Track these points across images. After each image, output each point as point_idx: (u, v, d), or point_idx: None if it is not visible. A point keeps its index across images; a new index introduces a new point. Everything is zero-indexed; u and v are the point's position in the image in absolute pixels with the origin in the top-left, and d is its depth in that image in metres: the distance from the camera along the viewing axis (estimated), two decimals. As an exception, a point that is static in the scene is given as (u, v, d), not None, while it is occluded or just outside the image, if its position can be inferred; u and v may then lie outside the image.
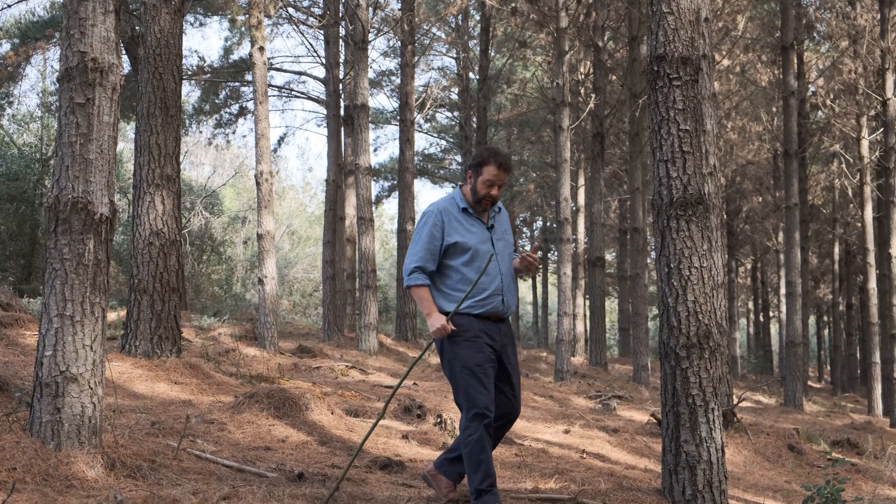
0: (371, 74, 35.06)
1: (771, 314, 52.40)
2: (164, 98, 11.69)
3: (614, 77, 29.36)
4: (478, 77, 32.32)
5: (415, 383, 14.32)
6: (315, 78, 30.05)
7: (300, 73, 31.59)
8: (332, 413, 9.24)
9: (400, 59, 27.88)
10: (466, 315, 5.83)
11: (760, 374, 43.96)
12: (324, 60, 27.52)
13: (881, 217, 27.24)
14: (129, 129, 36.62)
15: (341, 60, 27.28)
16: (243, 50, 31.24)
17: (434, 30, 33.66)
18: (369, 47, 21.41)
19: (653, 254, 32.23)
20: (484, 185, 5.89)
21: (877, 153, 25.65)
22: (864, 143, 25.32)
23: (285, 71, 32.15)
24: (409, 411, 10.22)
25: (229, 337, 18.41)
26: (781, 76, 25.25)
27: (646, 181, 24.43)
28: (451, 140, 45.98)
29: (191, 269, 33.06)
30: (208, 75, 30.58)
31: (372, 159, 21.63)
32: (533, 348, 38.33)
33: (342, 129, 26.72)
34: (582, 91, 29.99)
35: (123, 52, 24.43)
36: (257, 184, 17.86)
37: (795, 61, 25.71)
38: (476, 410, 5.64)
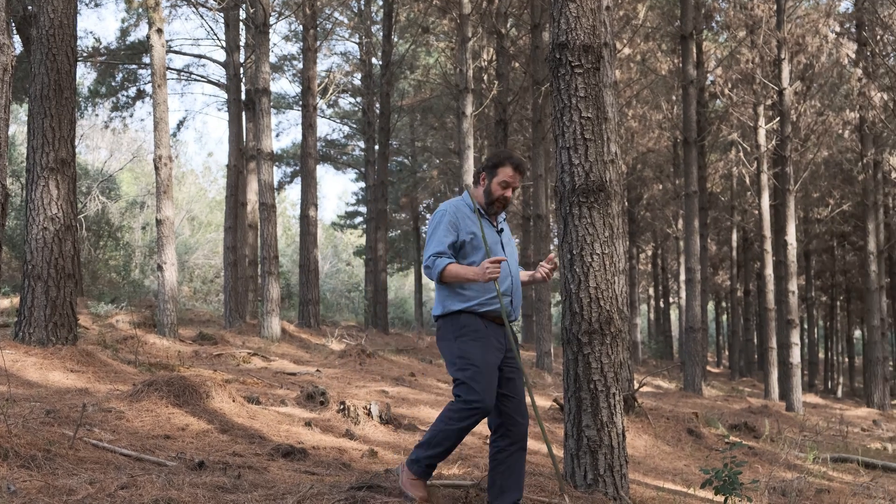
0: (273, 58, 34.73)
1: (671, 300, 53.30)
2: (58, 80, 11.40)
3: (517, 64, 29.50)
4: (381, 62, 32.17)
5: (318, 370, 14.23)
6: (215, 61, 29.64)
7: (200, 57, 31.13)
8: (234, 401, 9.12)
9: (302, 44, 27.67)
10: (471, 314, 5.64)
11: (661, 360, 44.64)
12: (224, 44, 27.13)
13: (777, 205, 27.85)
14: (21, 112, 35.75)
15: (242, 44, 26.93)
16: (141, 32, 30.66)
17: (336, 14, 33.45)
18: (271, 31, 21.19)
19: (556, 240, 32.54)
20: (499, 187, 5.75)
21: (773, 142, 26.19)
22: (761, 132, 25.84)
23: (184, 54, 31.63)
24: (312, 398, 10.14)
25: (127, 324, 18.08)
26: (681, 65, 25.60)
27: (549, 168, 24.58)
28: (355, 126, 45.80)
29: (87, 255, 32.39)
30: (104, 57, 29.96)
31: (274, 144, 21.43)
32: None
33: (243, 113, 26.38)
34: (485, 78, 30.07)
35: (14, 32, 23.82)
36: (156, 168, 17.56)
37: (694, 51, 26.08)
38: (479, 404, 5.41)
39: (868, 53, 27.09)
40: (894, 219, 35.72)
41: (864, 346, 39.26)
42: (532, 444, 10.11)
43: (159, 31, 18.00)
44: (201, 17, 28.51)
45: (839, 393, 46.42)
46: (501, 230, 5.92)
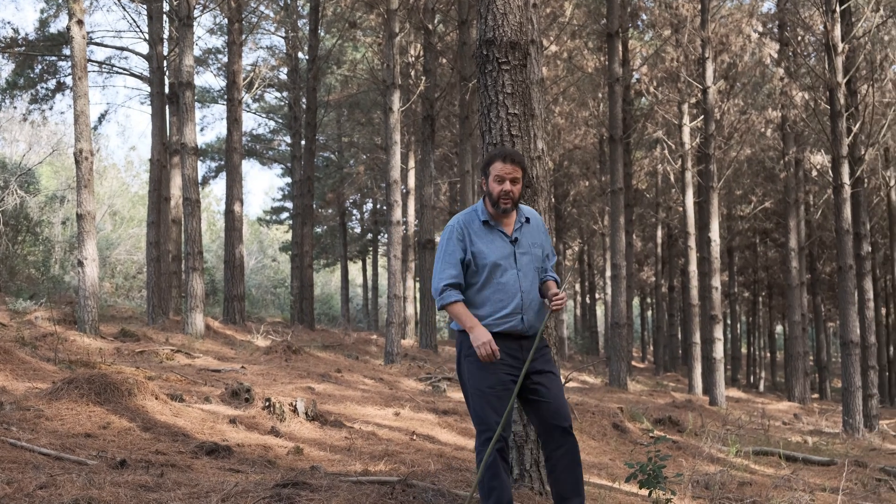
0: (197, 52, 34.35)
1: (597, 296, 53.65)
2: (-25, 71, 11.13)
3: (445, 60, 29.50)
4: (307, 57, 31.96)
5: (243, 367, 14.09)
6: (138, 54, 29.14)
7: (122, 49, 30.56)
8: (157, 398, 8.99)
9: (227, 37, 27.33)
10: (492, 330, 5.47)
11: (587, 355, 44.97)
12: (147, 36, 26.70)
13: (701, 202, 28.18)
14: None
15: (165, 37, 26.55)
16: (61, 23, 30.08)
17: (262, 7, 33.08)
18: (195, 24, 20.95)
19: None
20: (495, 183, 5.48)
21: (697, 140, 26.48)
22: (686, 130, 26.11)
23: (106, 46, 31.07)
24: (237, 395, 10.03)
25: (47, 321, 17.74)
26: (607, 63, 25.79)
27: (476, 164, 24.61)
28: (281, 121, 45.49)
29: (5, 250, 31.75)
30: (23, 48, 29.36)
31: (198, 139, 21.18)
32: (363, 331, 38.29)
33: (167, 107, 26.02)
34: (412, 73, 30.00)
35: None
36: (76, 162, 17.23)
37: (620, 49, 26.28)
38: (487, 433, 5.33)
39: (790, 53, 27.50)
40: (815, 216, 36.34)
41: (785, 342, 39.91)
42: (458, 439, 10.11)
43: (80, 22, 17.67)
44: (123, 8, 28.03)
45: (761, 387, 47.15)
46: (516, 239, 5.59)
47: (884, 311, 45.16)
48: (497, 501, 5.30)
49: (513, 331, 5.46)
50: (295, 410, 9.52)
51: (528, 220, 5.68)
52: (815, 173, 30.64)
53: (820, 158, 27.29)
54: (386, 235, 26.62)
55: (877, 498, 10.42)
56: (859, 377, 21.06)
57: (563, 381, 5.69)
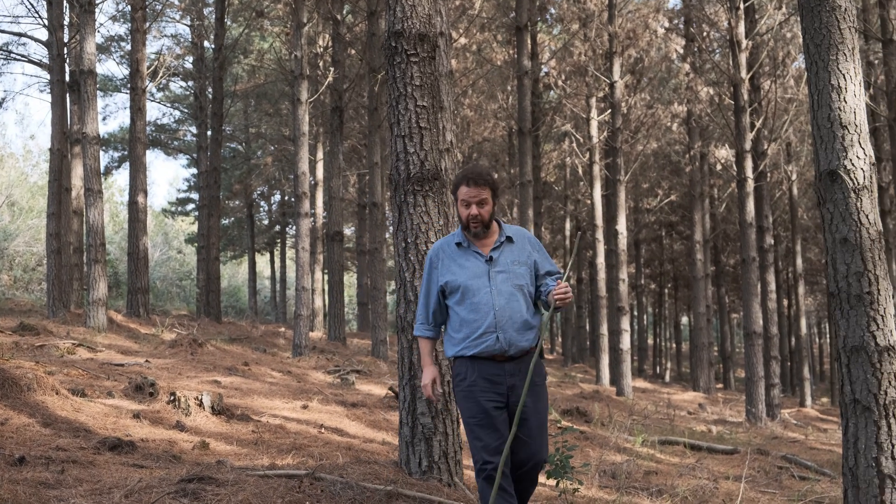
0: (99, 39, 33.69)
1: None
2: None
3: (353, 51, 29.34)
4: (213, 46, 31.53)
5: (147, 361, 13.84)
6: (37, 40, 28.41)
7: (20, 35, 29.70)
8: (58, 393, 8.76)
9: (130, 25, 26.78)
10: (462, 358, 5.40)
11: (494, 347, 45.08)
12: (46, 22, 26.06)
13: (609, 195, 28.45)
14: None
15: (66, 23, 25.93)
16: (-45, 8, 29.26)
17: (168, -5, 32.57)
18: (97, 10, 20.50)
19: (391, 229, 32.56)
20: (463, 207, 5.40)
21: (605, 133, 26.70)
22: (594, 124, 26.31)
23: (3, 32, 30.26)
24: (141, 389, 9.83)
25: (-58, 315, 17.26)
26: (516, 56, 25.88)
27: (385, 156, 24.53)
28: (186, 110, 44.85)
29: None
30: (-87, 35, 28.52)
31: (100, 128, 20.74)
32: (271, 323, 37.97)
33: (67, 95, 25.44)
34: (321, 64, 29.80)
35: None
36: (-25, 151, 16.76)
37: (529, 42, 26.40)
38: (477, 465, 5.26)
39: (695, 49, 27.91)
40: (719, 209, 36.96)
41: (690, 332, 40.56)
42: (367, 432, 10.05)
43: (-23, 7, 17.17)
44: (22, -8, 27.37)
45: (667, 377, 47.87)
46: (490, 258, 5.43)
47: (785, 302, 46.20)
48: None
49: (490, 351, 5.31)
50: (201, 404, 9.36)
51: (509, 238, 5.51)
52: (719, 167, 31.11)
53: (724, 153, 27.70)
54: (294, 227, 26.42)
55: (778, 485, 10.61)
56: (762, 367, 21.46)
57: (545, 416, 5.55)
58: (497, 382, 5.29)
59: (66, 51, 25.19)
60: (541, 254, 5.58)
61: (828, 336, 56.26)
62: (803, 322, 37.43)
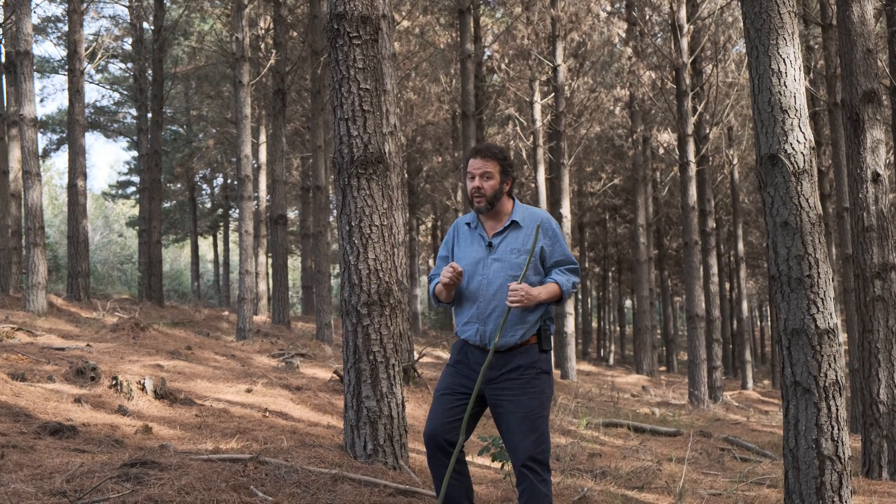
0: (35, 20, 33.15)
1: (449, 272, 53.88)
2: None
3: (295, 33, 29.14)
4: (152, 28, 31.15)
5: (88, 345, 13.69)
6: (-29, 21, 28.00)
7: (-46, 15, 29.34)
8: (-4, 378, 8.65)
9: (67, 5, 26.38)
10: (460, 338, 5.29)
11: (441, 330, 45.21)
12: (-20, 2, 25.67)
13: (553, 178, 28.52)
14: None
15: (0, 3, 25.54)
16: None
17: (106, -25, 32.13)
18: (35, -10, 20.15)
19: (335, 212, 32.45)
20: (468, 180, 5.23)
21: (548, 117, 26.76)
22: (537, 107, 26.34)
23: (-66, 11, 29.76)
24: (82, 374, 9.72)
25: None
26: (459, 39, 25.85)
27: (328, 139, 24.43)
28: (126, 92, 44.31)
29: None
30: None
31: (38, 110, 20.43)
32: (215, 307, 37.71)
33: (3, 76, 25.06)
34: (262, 46, 29.56)
35: None
36: None
37: (472, 25, 26.37)
38: (425, 432, 5.13)
39: (637, 33, 28.04)
40: (662, 193, 37.25)
41: (634, 316, 40.85)
42: (312, 415, 10.03)
43: None
44: (-46, -29, 26.87)
45: (611, 360, 48.25)
46: (490, 244, 5.23)
47: (727, 285, 46.72)
48: (441, 501, 5.10)
49: (472, 341, 5.19)
50: (143, 388, 9.28)
51: (515, 223, 5.25)
52: (662, 151, 31.34)
53: (667, 136, 27.91)
54: (237, 211, 26.22)
55: (720, 466, 10.73)
56: (704, 350, 21.70)
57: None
58: (473, 371, 5.16)
59: (0, 31, 24.78)
60: (553, 241, 5.25)
61: (769, 319, 57.01)
62: (745, 305, 37.89)
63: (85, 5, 26.22)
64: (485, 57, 30.51)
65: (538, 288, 5.06)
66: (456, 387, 5.16)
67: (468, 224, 5.38)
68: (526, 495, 4.98)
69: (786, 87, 6.62)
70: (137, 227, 36.09)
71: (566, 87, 26.37)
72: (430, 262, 59.04)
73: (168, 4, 34.08)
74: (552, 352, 7.77)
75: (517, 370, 5.08)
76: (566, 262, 5.24)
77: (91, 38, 34.14)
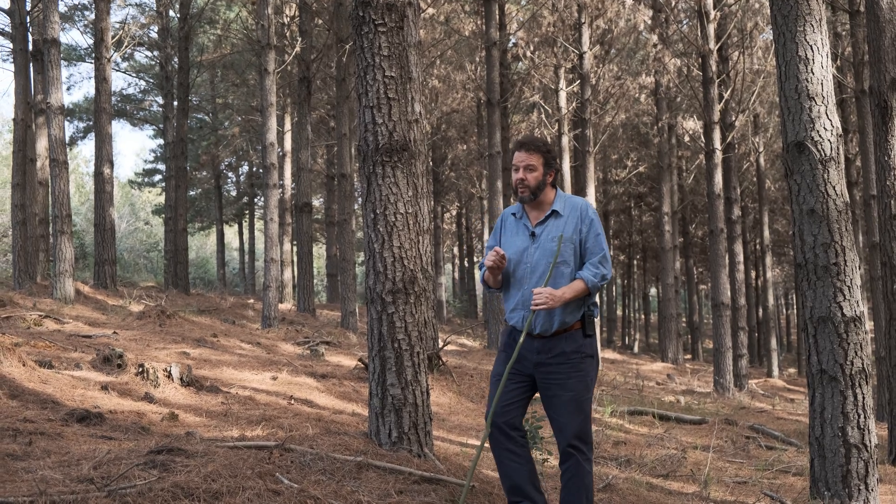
0: (63, 8, 33.30)
1: (475, 259, 53.98)
2: None
3: (321, 21, 29.12)
4: (178, 16, 31.22)
5: (115, 332, 13.77)
6: None
7: (-18, 4, 29.48)
8: (24, 365, 8.70)
9: (95, -7, 26.48)
10: (507, 324, 5.58)
11: (465, 318, 45.23)
12: (9, -10, 25.77)
13: (578, 166, 28.45)
14: None
15: (29, -9, 25.66)
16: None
17: (132, -36, 32.24)
18: (61, -22, 20.22)
19: (360, 200, 32.49)
20: (513, 171, 5.49)
21: (573, 105, 26.68)
22: (563, 95, 26.26)
23: (-38, 0, 29.89)
24: (109, 361, 9.77)
25: None
26: (484, 27, 25.77)
27: (353, 127, 24.42)
28: (152, 80, 44.43)
29: None
30: None
31: (65, 98, 20.52)
32: (240, 295, 37.84)
33: (31, 65, 25.15)
34: (288, 34, 29.56)
35: None
36: (-62, 122, 16.56)
37: (497, 12, 26.29)
38: (486, 417, 5.42)
39: (663, 20, 27.89)
40: (687, 181, 37.08)
41: (658, 304, 40.78)
42: (337, 403, 10.05)
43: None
44: (-15, -39, 27.00)
45: (636, 348, 48.17)
46: (533, 234, 5.48)
47: (753, 273, 46.51)
48: (504, 484, 5.44)
49: (518, 327, 5.44)
50: (169, 376, 9.33)
51: (555, 212, 5.49)
52: (687, 139, 31.22)
53: (692, 124, 27.78)
54: (262, 198, 26.26)
55: (746, 455, 10.70)
56: (730, 338, 21.61)
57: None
58: (524, 356, 5.40)
59: (28, 19, 24.91)
60: (591, 230, 5.47)
61: (795, 307, 56.76)
62: (770, 293, 37.73)
63: (111, -7, 26.30)
64: (510, 44, 30.43)
65: (563, 288, 5.27)
66: (512, 371, 5.42)
67: (514, 214, 5.63)
68: (570, 472, 5.24)
69: (813, 74, 6.57)
70: (163, 215, 36.23)
71: (592, 75, 26.27)
72: (455, 250, 59.06)
73: (194, -8, 34.15)
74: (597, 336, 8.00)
75: (563, 355, 5.32)
76: (597, 252, 5.40)
77: (117, 26, 34.22)
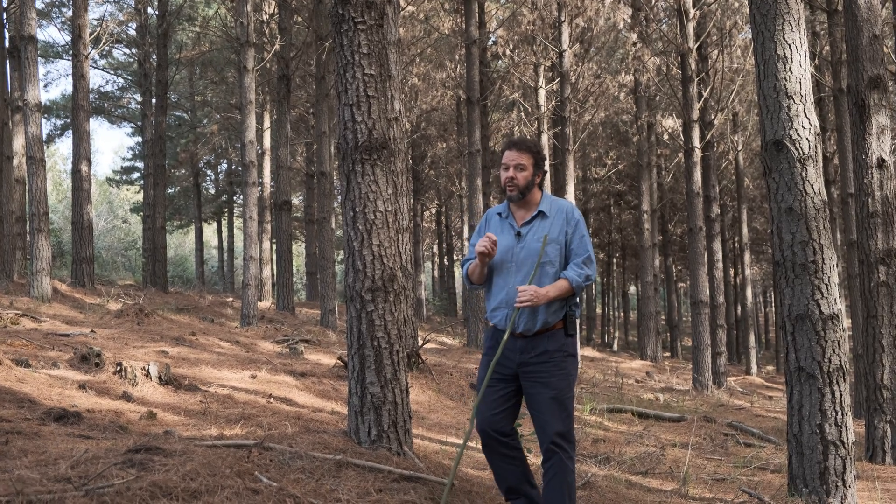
0: (40, 4, 33.18)
1: (455, 258, 54.01)
2: None
3: (300, 18, 29.07)
4: (157, 13, 31.11)
5: (93, 331, 13.70)
6: (-24, 6, 27.94)
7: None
8: (1, 364, 8.65)
9: (72, -10, 26.36)
10: (489, 324, 5.65)
11: (445, 316, 45.24)
12: (-15, -13, 25.62)
13: (557, 164, 28.47)
14: None
15: (6, -14, 25.53)
16: None
17: (110, -39, 32.08)
18: (39, -25, 20.09)
19: (340, 198, 32.43)
20: (502, 170, 5.56)
21: (553, 103, 26.70)
22: (542, 93, 26.28)
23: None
24: (87, 360, 9.72)
25: None
26: (464, 25, 25.76)
27: (332, 125, 24.40)
28: (130, 78, 44.30)
29: None
30: None
31: (42, 95, 20.39)
32: (219, 293, 37.73)
33: (7, 61, 25.03)
34: (267, 32, 29.49)
35: None
36: (-86, 119, 16.46)
37: (477, 10, 26.26)
38: (476, 426, 5.49)
39: (643, 18, 27.93)
40: (666, 179, 37.18)
41: (638, 302, 40.87)
42: (316, 401, 10.03)
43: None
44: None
45: (615, 346, 48.24)
46: (518, 233, 5.54)
47: (732, 271, 46.71)
48: (500, 486, 5.62)
49: (500, 326, 5.51)
50: (148, 374, 9.29)
51: (542, 213, 5.57)
52: (666, 137, 31.34)
53: (672, 122, 27.89)
54: (241, 197, 26.19)
55: (724, 452, 10.75)
56: (708, 336, 21.70)
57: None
58: (506, 356, 5.46)
59: (4, 16, 24.76)
60: (576, 232, 5.54)
61: (773, 305, 57.04)
62: (749, 291, 37.88)
63: (89, -10, 26.17)
64: (490, 42, 30.45)
65: (547, 287, 5.34)
66: (492, 374, 5.49)
67: (499, 214, 5.69)
68: (553, 470, 5.28)
69: (791, 72, 6.60)
70: (142, 213, 36.11)
71: (571, 73, 26.29)
72: (435, 248, 59.05)
73: (172, -11, 34.03)
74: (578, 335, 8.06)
75: (546, 353, 5.39)
76: (582, 253, 5.49)
77: (95, 22, 34.08)
